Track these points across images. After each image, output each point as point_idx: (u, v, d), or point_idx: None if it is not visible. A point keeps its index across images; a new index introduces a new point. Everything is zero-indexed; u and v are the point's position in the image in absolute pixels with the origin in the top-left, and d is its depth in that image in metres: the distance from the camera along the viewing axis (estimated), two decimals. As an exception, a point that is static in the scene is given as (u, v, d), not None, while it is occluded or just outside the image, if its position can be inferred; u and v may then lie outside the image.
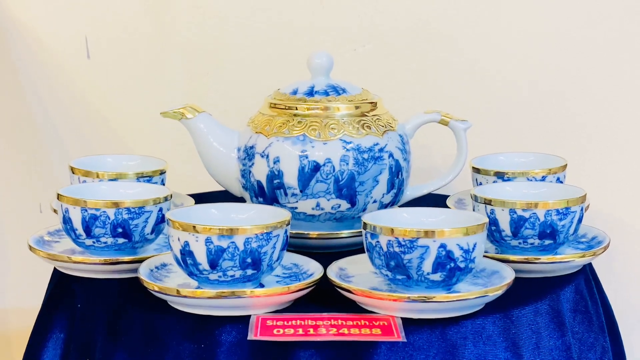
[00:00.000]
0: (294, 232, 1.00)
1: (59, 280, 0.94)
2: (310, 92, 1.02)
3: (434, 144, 1.30)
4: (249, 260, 0.80)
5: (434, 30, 1.29)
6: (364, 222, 0.83)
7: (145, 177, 1.05)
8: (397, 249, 0.79)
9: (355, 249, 1.01)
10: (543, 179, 1.06)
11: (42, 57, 1.38)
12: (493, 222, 0.92)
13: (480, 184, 1.09)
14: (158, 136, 1.39)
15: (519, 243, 0.92)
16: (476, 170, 1.10)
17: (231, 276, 0.81)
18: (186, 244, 0.80)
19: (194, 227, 0.80)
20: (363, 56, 1.32)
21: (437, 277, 0.80)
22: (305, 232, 1.00)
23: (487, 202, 0.92)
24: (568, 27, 1.26)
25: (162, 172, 1.08)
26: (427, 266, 0.79)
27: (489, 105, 1.29)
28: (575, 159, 1.22)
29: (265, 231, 0.80)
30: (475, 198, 0.94)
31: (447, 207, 1.11)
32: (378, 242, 0.81)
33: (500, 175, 1.07)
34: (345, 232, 1.01)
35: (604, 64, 1.26)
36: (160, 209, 0.92)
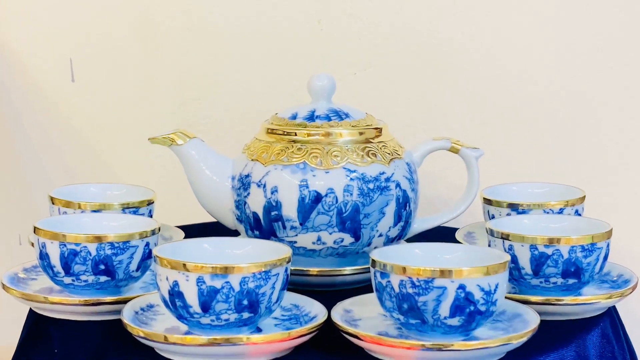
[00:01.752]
0: (292, 268, 0.92)
1: (35, 322, 0.85)
2: (311, 117, 0.95)
3: (439, 171, 1.22)
4: (245, 302, 0.72)
5: (438, 52, 1.22)
6: (373, 259, 0.75)
7: (132, 208, 0.97)
8: (410, 290, 0.71)
9: (359, 286, 0.93)
10: (561, 211, 0.99)
11: (24, 79, 1.31)
12: (512, 259, 0.84)
13: (493, 216, 1.01)
14: (146, 163, 1.31)
15: (540, 282, 0.84)
16: (487, 201, 1.02)
17: (225, 320, 0.72)
18: (175, 283, 0.72)
19: (184, 265, 0.72)
20: (364, 80, 1.25)
21: (455, 321, 0.72)
22: (305, 269, 0.92)
23: (505, 236, 0.84)
24: (584, 50, 1.19)
25: (150, 203, 1.00)
26: (445, 309, 0.71)
27: (498, 131, 1.21)
28: (594, 190, 1.14)
29: (263, 269, 0.72)
30: (491, 232, 0.86)
31: (457, 241, 1.04)
32: (389, 282, 0.73)
33: (514, 207, 0.99)
34: (348, 269, 0.92)
35: (622, 89, 1.19)
36: (147, 244, 0.84)
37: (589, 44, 1.19)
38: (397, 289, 0.72)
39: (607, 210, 1.15)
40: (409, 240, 1.00)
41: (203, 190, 0.96)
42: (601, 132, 1.20)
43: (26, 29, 1.29)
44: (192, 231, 1.10)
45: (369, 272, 0.92)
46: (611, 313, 0.88)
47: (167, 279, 0.73)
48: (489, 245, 0.87)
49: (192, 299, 0.72)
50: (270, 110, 1.28)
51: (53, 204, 0.98)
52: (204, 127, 1.29)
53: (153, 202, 1.01)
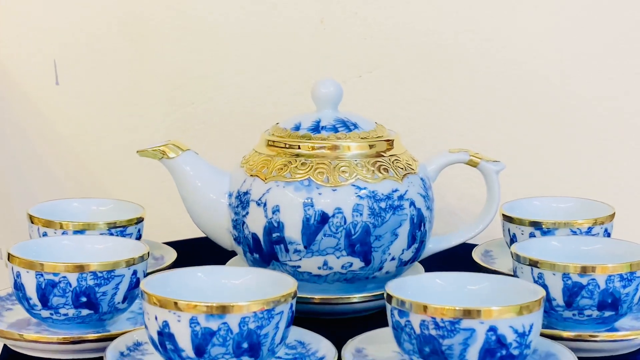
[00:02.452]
0: (296, 295, 0.84)
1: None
2: (316, 128, 0.86)
3: (449, 180, 1.13)
4: (245, 345, 0.63)
5: (449, 52, 1.12)
6: (389, 294, 0.67)
7: (119, 228, 0.88)
8: (433, 332, 0.63)
9: (368, 314, 0.85)
10: (589, 230, 0.90)
11: (5, 82, 1.22)
12: (542, 287, 0.75)
13: (514, 235, 0.93)
14: (135, 170, 1.22)
15: (573, 314, 0.75)
16: (508, 218, 0.93)
17: (223, 366, 0.64)
18: (165, 324, 0.63)
19: (176, 303, 0.63)
20: (369, 83, 1.16)
21: (483, 367, 0.63)
22: (309, 296, 0.83)
23: (533, 263, 0.76)
24: (614, 54, 1.10)
25: (139, 221, 0.91)
26: (473, 354, 0.62)
27: (516, 138, 1.12)
28: (620, 204, 1.05)
29: (266, 308, 0.64)
30: (517, 258, 0.78)
31: (474, 261, 0.95)
32: (408, 321, 0.64)
33: (538, 226, 0.91)
34: (357, 297, 0.84)
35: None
36: (135, 272, 0.75)
37: (620, 48, 1.10)
38: (417, 330, 0.63)
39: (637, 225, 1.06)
40: (423, 261, 0.92)
41: (197, 208, 0.87)
42: (630, 142, 1.10)
43: (7, 29, 1.20)
44: (186, 248, 1.01)
45: (380, 299, 0.85)
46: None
47: (156, 318, 0.64)
48: (514, 271, 0.78)
49: (184, 341, 0.63)
50: (270, 116, 1.19)
51: (32, 223, 0.89)
52: (198, 133, 1.20)
53: (142, 220, 0.92)
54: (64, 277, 0.72)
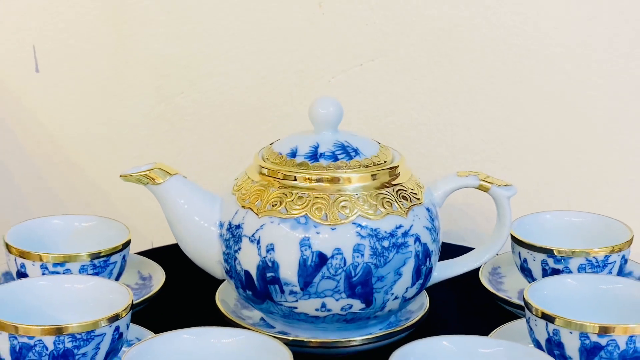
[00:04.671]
0: (291, 337, 0.78)
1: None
2: (314, 155, 0.79)
3: (457, 199, 1.07)
4: None
5: (456, 39, 1.05)
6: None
7: (102, 258, 0.82)
8: None
9: (367, 349, 0.80)
10: (606, 259, 0.84)
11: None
12: (557, 344, 0.70)
13: (525, 260, 0.87)
14: (119, 162, 1.15)
15: (591, 374, 0.70)
16: (518, 242, 0.87)
17: None
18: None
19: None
20: (371, 72, 1.08)
21: None
22: (306, 340, 0.78)
23: (549, 319, 0.70)
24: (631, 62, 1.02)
25: (124, 246, 0.85)
26: None
27: (524, 133, 1.05)
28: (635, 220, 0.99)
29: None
30: (529, 307, 0.72)
31: (479, 282, 0.90)
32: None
33: (550, 254, 0.85)
34: (357, 340, 0.79)
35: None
36: (117, 328, 0.69)
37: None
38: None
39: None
40: (428, 289, 0.86)
41: (186, 236, 0.81)
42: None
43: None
44: (175, 262, 0.95)
45: (382, 340, 0.80)
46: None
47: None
48: (527, 322, 0.73)
49: None
50: (263, 107, 1.12)
51: (9, 252, 0.83)
52: (187, 124, 1.13)
53: (129, 243, 0.86)
54: (40, 340, 0.66)
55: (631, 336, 0.68)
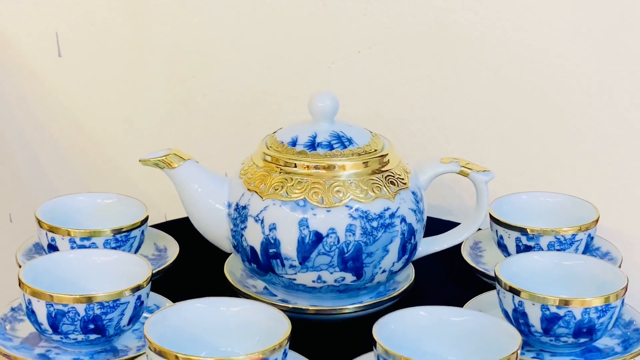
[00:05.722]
0: (291, 305, 0.89)
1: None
2: (312, 144, 0.89)
3: (447, 178, 1.16)
4: (242, 392, 0.69)
5: (449, 30, 1.14)
6: (374, 339, 0.71)
7: (124, 233, 0.93)
8: (416, 384, 0.68)
9: (358, 316, 0.90)
10: (573, 237, 0.94)
11: (8, 54, 1.23)
12: (521, 314, 0.80)
13: (501, 237, 0.97)
14: (136, 140, 1.25)
15: (550, 340, 0.80)
16: (496, 221, 0.97)
17: (221, 408, 0.69)
18: (168, 372, 0.69)
19: (177, 356, 0.68)
20: (367, 59, 1.18)
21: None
22: (304, 307, 0.88)
23: (515, 292, 0.80)
24: (614, 52, 1.11)
25: (143, 222, 0.95)
26: (450, 404, 0.68)
27: (513, 117, 1.14)
28: (604, 202, 1.09)
29: (261, 357, 0.69)
30: (499, 282, 0.82)
31: (461, 255, 1.00)
32: (394, 371, 0.69)
33: (524, 232, 0.94)
34: (349, 308, 0.89)
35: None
36: (139, 297, 0.80)
37: (618, 44, 1.11)
38: (401, 380, 0.69)
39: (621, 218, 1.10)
40: (414, 261, 0.96)
41: (198, 214, 0.91)
42: (618, 139, 1.13)
43: (10, 2, 1.21)
44: (186, 233, 1.04)
45: (371, 308, 0.90)
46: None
47: (158, 366, 0.69)
48: (497, 294, 0.83)
49: (185, 390, 0.68)
50: (269, 92, 1.22)
51: (41, 227, 0.93)
52: (199, 106, 1.22)
53: (147, 219, 0.96)
54: (73, 307, 0.77)
55: (586, 308, 0.78)
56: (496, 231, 0.98)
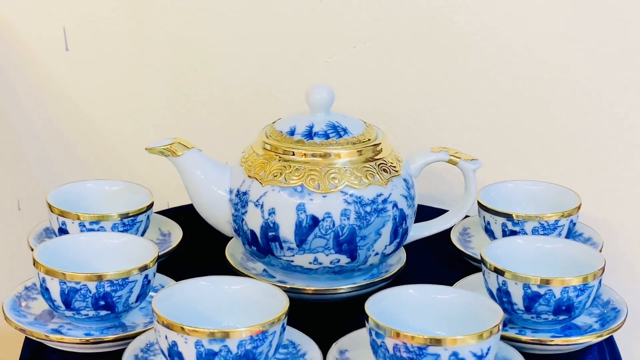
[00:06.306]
0: (289, 286, 0.94)
1: (36, 349, 0.87)
2: (309, 134, 0.94)
3: (438, 168, 1.22)
4: (243, 361, 0.74)
5: (441, 27, 1.19)
6: (367, 314, 0.77)
7: (130, 217, 0.98)
8: (404, 355, 0.73)
9: (352, 296, 0.95)
10: (556, 223, 0.99)
11: (17, 48, 1.28)
12: (505, 293, 0.85)
13: (488, 222, 1.02)
14: (141, 132, 1.30)
15: (532, 317, 0.86)
16: (484, 207, 1.02)
17: (224, 377, 0.75)
18: (174, 343, 0.74)
19: (182, 328, 0.73)
20: (363, 53, 1.23)
21: (446, 383, 0.74)
22: (301, 287, 0.94)
23: (499, 272, 0.86)
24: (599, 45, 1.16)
25: (148, 208, 1.00)
26: (437, 374, 0.73)
27: (503, 114, 1.20)
28: (589, 187, 1.14)
29: (261, 330, 0.74)
30: (485, 263, 0.87)
31: (451, 240, 1.05)
32: (383, 342, 0.74)
33: (509, 217, 1.00)
34: (344, 288, 0.94)
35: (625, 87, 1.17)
36: (146, 276, 0.85)
37: (595, 41, 1.16)
38: (391, 351, 0.74)
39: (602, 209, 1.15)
40: (406, 246, 1.01)
41: (202, 201, 0.96)
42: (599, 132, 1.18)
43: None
44: (189, 219, 1.09)
45: (365, 288, 0.95)
46: (601, 343, 0.90)
47: (166, 337, 0.74)
48: (483, 274, 0.88)
49: (191, 359, 0.74)
50: (268, 83, 1.27)
51: (52, 211, 0.98)
52: (200, 98, 1.27)
53: (151, 206, 1.01)
54: (85, 285, 0.82)
55: (565, 287, 0.84)
56: (483, 217, 1.03)
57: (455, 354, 0.72)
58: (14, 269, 1.35)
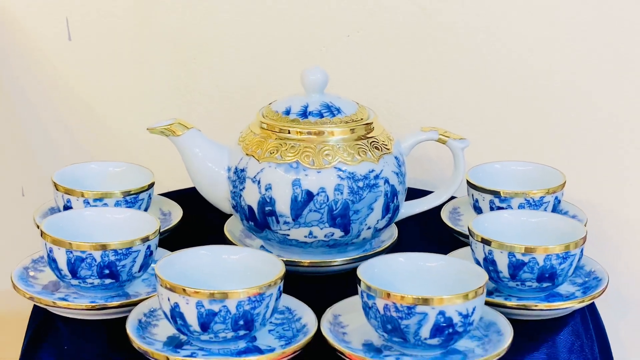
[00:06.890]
0: (285, 259, 0.98)
1: (44, 318, 0.91)
2: (304, 113, 0.98)
3: (430, 154, 1.26)
4: (241, 322, 0.78)
5: (429, 17, 1.23)
6: (359, 278, 0.81)
7: (133, 195, 1.02)
8: (394, 314, 0.77)
9: (348, 270, 0.99)
10: (541, 199, 1.04)
11: (20, 38, 1.32)
12: (491, 262, 0.90)
13: (477, 201, 1.06)
14: (143, 118, 1.34)
15: (517, 285, 0.90)
16: (472, 185, 1.07)
17: (223, 337, 0.78)
18: (176, 305, 0.78)
19: (184, 289, 0.77)
20: (356, 41, 1.27)
21: (434, 341, 0.78)
22: (298, 260, 0.98)
23: (486, 242, 0.90)
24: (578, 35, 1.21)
25: (150, 187, 1.04)
26: (425, 332, 0.77)
27: (493, 102, 1.24)
28: (574, 169, 1.18)
29: (258, 292, 0.78)
30: (472, 234, 0.91)
31: (441, 219, 1.09)
32: (374, 303, 0.78)
33: (497, 195, 1.04)
34: (338, 260, 0.98)
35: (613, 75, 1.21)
36: (149, 247, 0.89)
37: (586, 31, 1.21)
38: (381, 311, 0.78)
39: (588, 188, 1.20)
40: (397, 223, 1.06)
41: (201, 179, 1.00)
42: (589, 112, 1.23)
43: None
44: (188, 200, 1.13)
45: (357, 261, 0.99)
46: (583, 309, 0.95)
47: (168, 299, 0.78)
48: (470, 245, 0.92)
49: (192, 319, 0.78)
50: (264, 71, 1.31)
51: (57, 189, 1.02)
52: (200, 86, 1.31)
53: (153, 184, 1.05)
54: (90, 254, 0.86)
55: (548, 255, 0.88)
56: (472, 195, 1.07)
57: (442, 312, 0.76)
58: (19, 253, 1.38)
